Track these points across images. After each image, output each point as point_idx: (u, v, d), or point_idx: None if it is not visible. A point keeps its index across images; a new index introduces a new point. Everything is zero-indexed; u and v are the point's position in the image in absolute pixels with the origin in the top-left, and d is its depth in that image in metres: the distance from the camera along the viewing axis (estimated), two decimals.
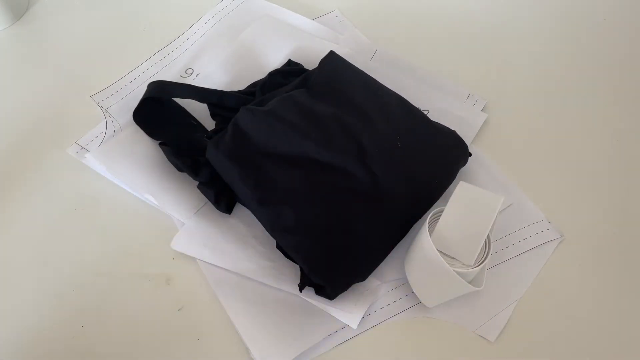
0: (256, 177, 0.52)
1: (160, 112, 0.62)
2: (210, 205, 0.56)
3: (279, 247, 0.53)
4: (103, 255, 0.54)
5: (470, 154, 0.57)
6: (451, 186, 0.55)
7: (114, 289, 0.52)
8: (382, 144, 0.54)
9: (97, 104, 0.64)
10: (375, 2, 0.76)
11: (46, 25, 0.73)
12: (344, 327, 0.50)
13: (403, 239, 0.53)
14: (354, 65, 0.62)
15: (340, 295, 0.50)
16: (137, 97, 0.62)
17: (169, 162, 0.58)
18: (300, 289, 0.50)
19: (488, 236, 0.47)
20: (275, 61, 0.67)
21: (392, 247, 0.52)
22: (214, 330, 0.50)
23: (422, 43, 0.71)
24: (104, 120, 0.62)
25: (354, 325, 0.49)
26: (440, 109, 0.63)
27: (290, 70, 0.64)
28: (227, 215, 0.56)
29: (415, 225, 0.54)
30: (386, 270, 0.53)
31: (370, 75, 0.61)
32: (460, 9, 0.75)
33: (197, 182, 0.56)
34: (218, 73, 0.67)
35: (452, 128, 0.58)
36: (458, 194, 0.47)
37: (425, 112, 0.63)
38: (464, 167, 0.58)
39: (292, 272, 0.52)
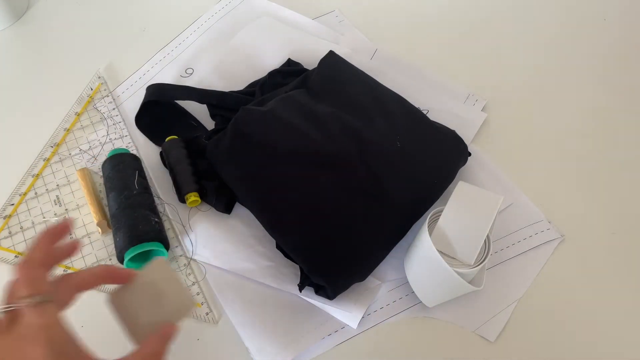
0: (255, 176, 0.52)
1: (160, 114, 0.62)
2: (209, 206, 0.56)
3: (279, 247, 0.53)
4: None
5: (469, 154, 0.57)
6: (451, 186, 0.55)
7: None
8: (382, 143, 0.53)
9: (98, 109, 0.64)
10: (375, 2, 0.76)
11: (46, 25, 0.73)
12: (344, 326, 0.50)
13: (403, 239, 0.53)
14: (353, 65, 0.62)
15: (340, 295, 0.50)
16: (138, 100, 0.62)
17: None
18: (300, 289, 0.50)
19: (488, 236, 0.47)
20: (275, 61, 0.66)
21: (392, 247, 0.52)
22: (214, 330, 0.50)
23: (422, 43, 0.71)
24: (104, 123, 0.63)
25: (354, 325, 0.49)
26: (440, 108, 0.63)
27: (290, 70, 0.64)
28: (227, 215, 0.56)
29: (415, 225, 0.54)
30: (386, 270, 0.53)
31: (370, 75, 0.61)
32: (460, 9, 0.75)
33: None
34: (217, 73, 0.67)
35: (452, 128, 0.58)
36: (458, 194, 0.47)
37: (425, 112, 0.63)
38: (464, 166, 0.57)
39: (292, 272, 0.52)
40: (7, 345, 0.31)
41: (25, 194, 0.58)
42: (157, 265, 0.40)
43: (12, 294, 0.33)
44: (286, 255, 0.53)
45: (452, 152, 0.56)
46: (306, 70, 0.64)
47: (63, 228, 0.36)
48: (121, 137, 0.61)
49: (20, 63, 0.69)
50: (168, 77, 0.67)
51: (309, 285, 0.50)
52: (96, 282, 0.38)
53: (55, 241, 0.36)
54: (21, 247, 0.54)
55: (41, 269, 0.34)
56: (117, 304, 0.40)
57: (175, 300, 0.39)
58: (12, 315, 0.32)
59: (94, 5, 0.75)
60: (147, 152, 0.60)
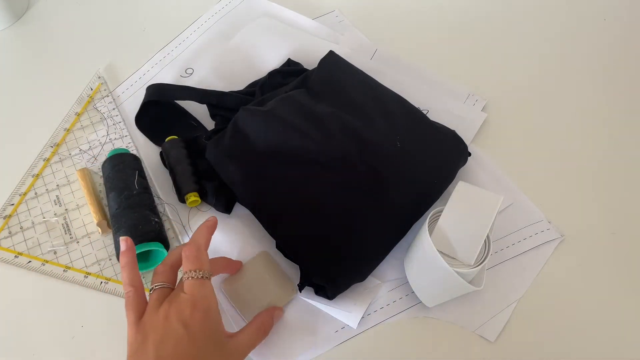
0: (255, 176, 0.52)
1: (160, 114, 0.62)
2: (209, 206, 0.56)
3: (279, 247, 0.53)
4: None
5: (469, 154, 0.57)
6: (451, 186, 0.55)
7: (112, 288, 0.52)
8: (382, 143, 0.53)
9: (98, 109, 0.64)
10: (375, 2, 0.76)
11: (46, 25, 0.73)
12: (344, 327, 0.50)
13: (403, 239, 0.53)
14: (353, 65, 0.62)
15: (340, 295, 0.50)
16: (138, 100, 0.62)
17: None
18: (300, 289, 0.50)
19: (488, 236, 0.46)
20: (275, 61, 0.67)
21: (392, 247, 0.52)
22: None
23: (422, 43, 0.71)
24: (104, 123, 0.63)
25: (354, 325, 0.49)
26: (440, 108, 0.63)
27: (290, 70, 0.64)
28: (227, 215, 0.56)
29: (415, 225, 0.54)
30: (386, 270, 0.53)
31: (370, 75, 0.61)
32: (460, 9, 0.75)
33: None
34: (217, 73, 0.67)
35: (452, 128, 0.58)
36: (458, 194, 0.47)
37: (425, 112, 0.63)
38: (464, 166, 0.57)
39: (291, 272, 0.52)
40: (173, 308, 0.38)
41: (25, 194, 0.58)
42: (262, 258, 0.51)
43: (160, 273, 0.42)
44: (286, 255, 0.53)
45: (452, 152, 0.56)
46: (306, 70, 0.64)
47: (215, 223, 0.46)
48: (121, 137, 0.61)
49: (20, 63, 0.69)
50: (168, 77, 0.67)
51: (308, 286, 0.50)
52: (220, 270, 0.47)
53: (212, 232, 0.44)
54: (21, 247, 0.54)
55: (204, 251, 0.42)
56: (230, 290, 0.50)
57: (278, 288, 0.50)
58: (170, 289, 0.41)
59: (94, 5, 0.75)
60: (147, 152, 0.60)
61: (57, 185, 0.58)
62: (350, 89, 0.58)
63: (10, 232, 0.55)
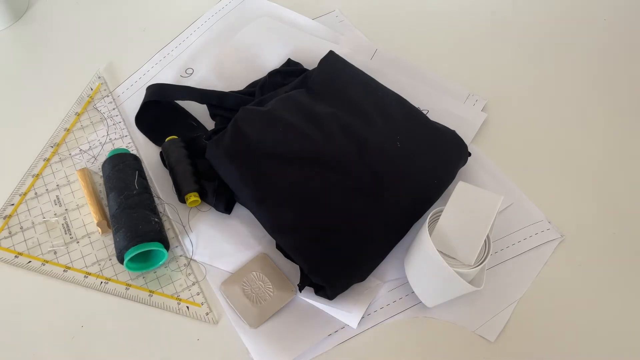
0: (255, 176, 0.52)
1: (160, 114, 0.62)
2: (209, 206, 0.56)
3: (279, 247, 0.53)
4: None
5: (469, 154, 0.57)
6: (451, 186, 0.55)
7: (112, 288, 0.52)
8: (382, 143, 0.54)
9: (98, 109, 0.64)
10: (375, 2, 0.76)
11: (46, 25, 0.73)
12: (344, 327, 0.50)
13: (403, 239, 0.53)
14: (353, 65, 0.62)
15: (340, 295, 0.50)
16: (138, 100, 0.62)
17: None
18: (300, 289, 0.50)
19: (488, 236, 0.47)
20: (275, 61, 0.67)
21: (392, 247, 0.52)
22: (214, 330, 0.50)
23: (422, 43, 0.71)
24: (104, 123, 0.63)
25: (354, 325, 0.49)
26: (440, 108, 0.63)
27: (290, 70, 0.64)
28: (227, 215, 0.56)
29: (415, 225, 0.54)
30: (386, 270, 0.53)
31: (370, 75, 0.61)
32: (460, 9, 0.75)
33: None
34: (217, 73, 0.67)
35: (452, 128, 0.58)
36: (458, 194, 0.47)
37: (425, 112, 0.63)
38: (464, 166, 0.57)
39: (292, 272, 0.52)
40: None
41: (25, 194, 0.58)
42: (260, 260, 0.53)
43: None
44: (286, 255, 0.53)
45: (452, 152, 0.56)
46: (306, 70, 0.64)
47: None
48: (121, 137, 0.61)
49: (20, 63, 0.69)
50: (168, 77, 0.67)
51: (308, 286, 0.50)
52: None
53: None
54: (21, 247, 0.54)
55: None
56: (229, 292, 0.51)
57: (277, 290, 0.51)
58: None
59: (93, 5, 0.75)
60: (147, 152, 0.61)
61: (57, 185, 0.58)
62: (350, 89, 0.58)
63: (10, 232, 0.55)
